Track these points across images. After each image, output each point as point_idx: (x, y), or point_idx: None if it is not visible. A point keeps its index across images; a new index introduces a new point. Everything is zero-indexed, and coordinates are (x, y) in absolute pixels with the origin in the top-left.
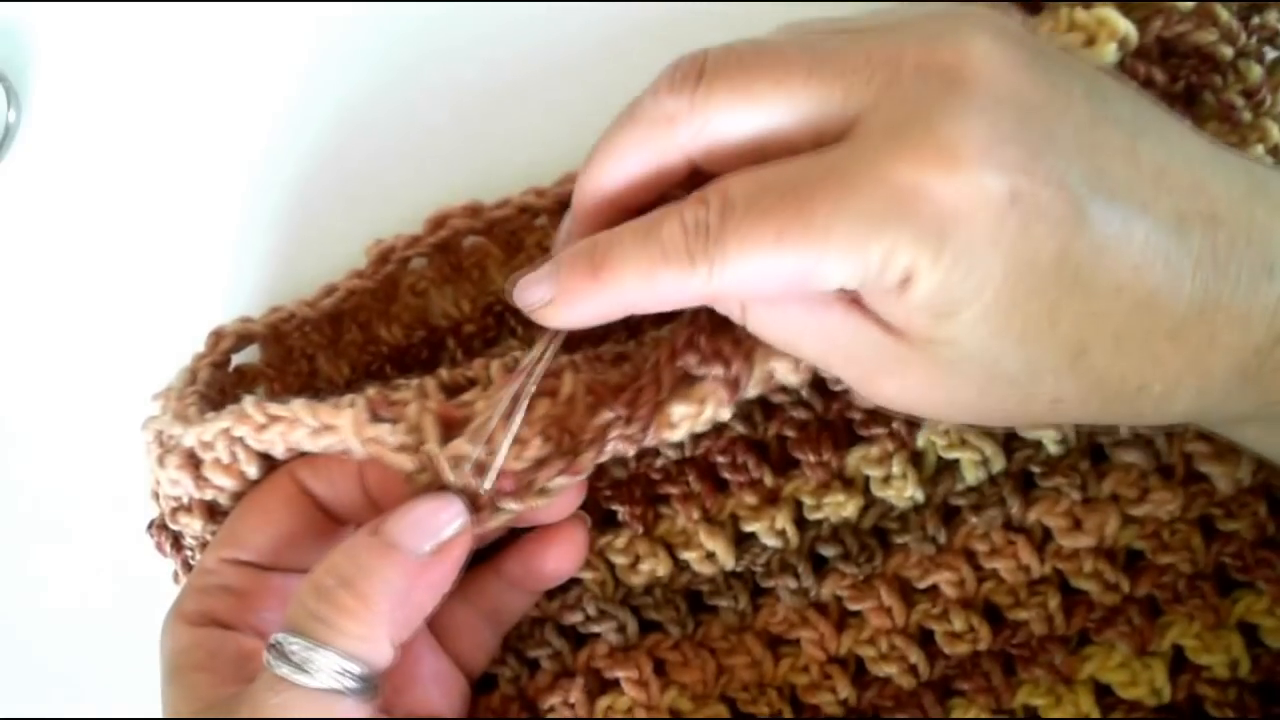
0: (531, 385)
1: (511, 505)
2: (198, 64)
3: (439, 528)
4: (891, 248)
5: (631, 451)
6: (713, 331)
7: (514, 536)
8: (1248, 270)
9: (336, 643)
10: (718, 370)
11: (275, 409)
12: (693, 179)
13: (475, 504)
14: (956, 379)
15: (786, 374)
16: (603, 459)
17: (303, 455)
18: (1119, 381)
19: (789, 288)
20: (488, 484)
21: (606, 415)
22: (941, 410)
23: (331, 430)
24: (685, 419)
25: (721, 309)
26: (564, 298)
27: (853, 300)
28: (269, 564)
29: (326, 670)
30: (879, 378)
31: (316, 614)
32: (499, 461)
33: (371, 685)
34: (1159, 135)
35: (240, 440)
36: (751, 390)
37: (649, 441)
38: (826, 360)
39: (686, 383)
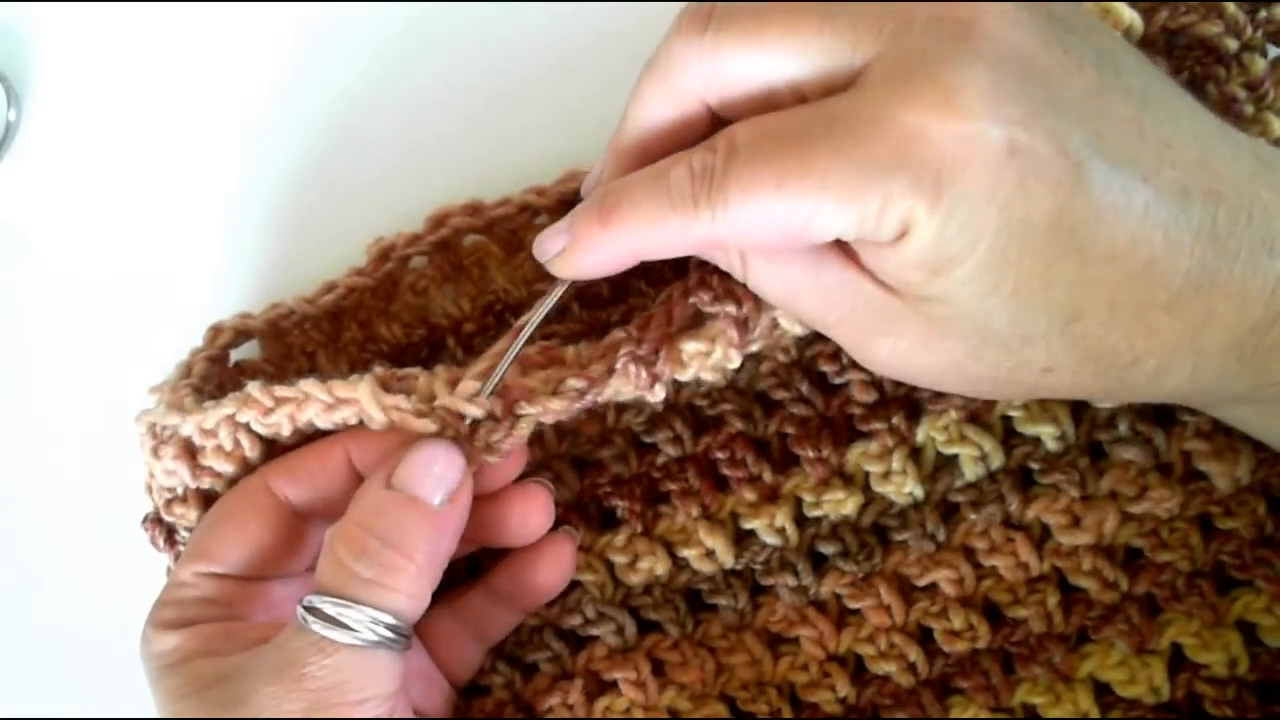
0: (536, 319)
1: (528, 409)
2: (197, 63)
3: (447, 474)
4: (889, 196)
5: (646, 382)
6: (725, 274)
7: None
8: (1248, 247)
9: (386, 602)
10: (729, 308)
11: (282, 391)
12: (718, 126)
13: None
14: (949, 340)
15: (791, 322)
16: (616, 380)
17: (276, 463)
18: (1111, 353)
19: (788, 236)
20: (488, 391)
21: (618, 333)
22: (934, 375)
23: (346, 403)
24: (696, 356)
25: (723, 263)
26: (574, 246)
27: (850, 257)
28: (247, 576)
29: (364, 626)
30: (873, 338)
31: (364, 576)
32: (502, 369)
33: (408, 636)
34: (1168, 110)
35: (245, 426)
36: (755, 344)
37: (661, 371)
38: (822, 319)
39: (697, 323)
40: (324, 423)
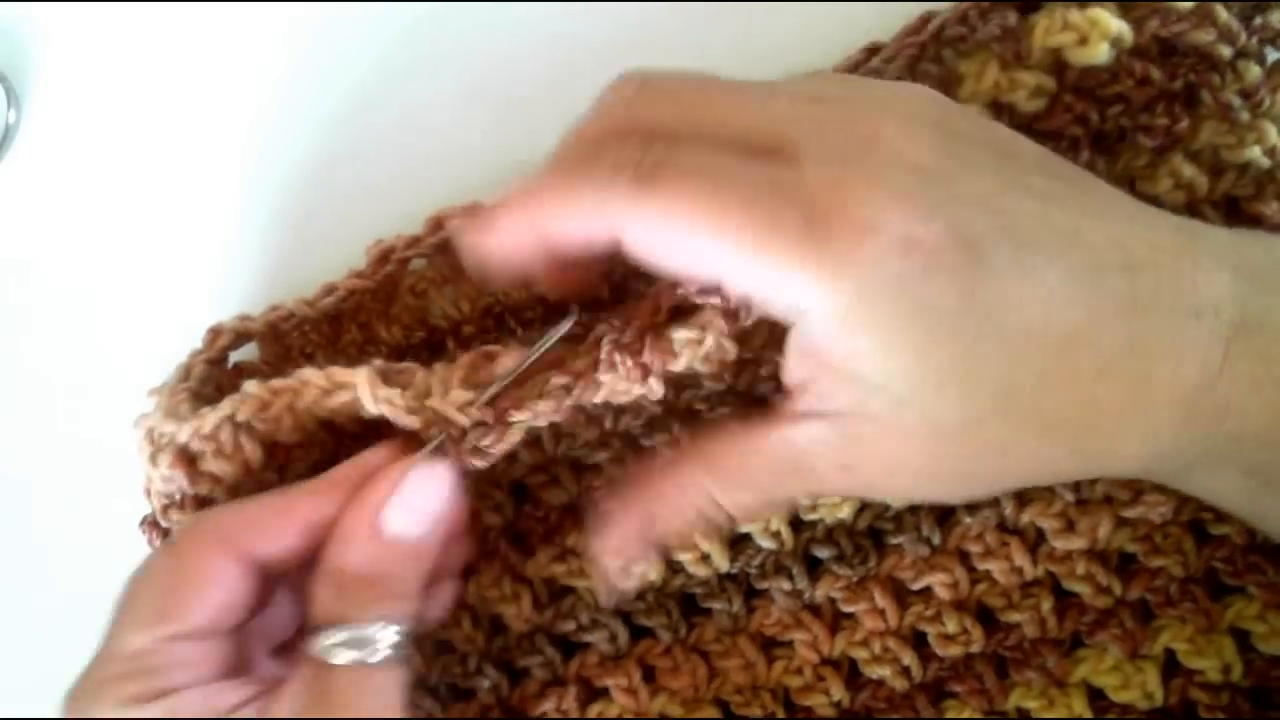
0: (537, 352)
1: (519, 417)
2: (197, 63)
3: (437, 505)
4: (789, 273)
5: (636, 374)
6: None
7: None
8: (1173, 313)
9: (392, 628)
10: (714, 299)
11: (278, 383)
12: None
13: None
14: (905, 447)
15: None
16: (605, 374)
17: (226, 513)
18: (1058, 423)
19: (689, 266)
20: (481, 402)
21: (601, 328)
22: (907, 488)
23: (343, 388)
24: (687, 346)
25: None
26: (480, 220)
27: (794, 414)
28: (216, 633)
29: (384, 646)
30: (841, 476)
31: (366, 613)
32: (495, 389)
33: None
34: (1075, 202)
35: (245, 426)
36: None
37: (650, 362)
38: (795, 491)
39: (687, 312)
40: (321, 410)
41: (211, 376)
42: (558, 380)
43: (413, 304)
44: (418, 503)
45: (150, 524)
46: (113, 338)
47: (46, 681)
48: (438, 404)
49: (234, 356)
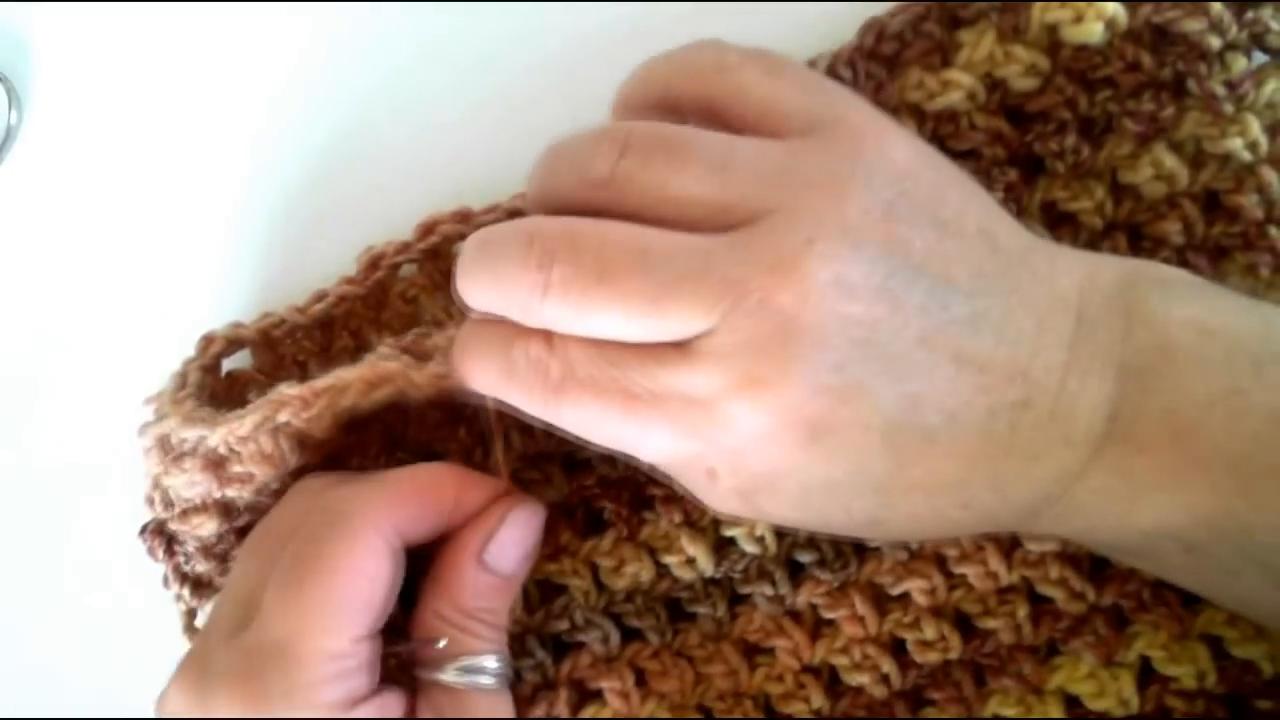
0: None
1: None
2: (196, 67)
3: (532, 542)
4: (698, 456)
5: None
6: None
7: None
8: (1048, 446)
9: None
10: None
11: (318, 383)
12: None
13: None
14: (769, 516)
15: None
16: None
17: (390, 506)
18: (908, 532)
19: (615, 448)
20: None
21: None
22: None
23: (389, 381)
24: None
25: None
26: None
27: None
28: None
29: (491, 672)
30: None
31: (480, 645)
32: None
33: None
34: (992, 322)
35: (284, 426)
36: None
37: None
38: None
39: None
40: (364, 406)
41: (206, 384)
42: None
43: (403, 310)
44: (519, 538)
45: (153, 531)
46: (108, 341)
47: (42, 686)
48: None
49: (225, 365)
